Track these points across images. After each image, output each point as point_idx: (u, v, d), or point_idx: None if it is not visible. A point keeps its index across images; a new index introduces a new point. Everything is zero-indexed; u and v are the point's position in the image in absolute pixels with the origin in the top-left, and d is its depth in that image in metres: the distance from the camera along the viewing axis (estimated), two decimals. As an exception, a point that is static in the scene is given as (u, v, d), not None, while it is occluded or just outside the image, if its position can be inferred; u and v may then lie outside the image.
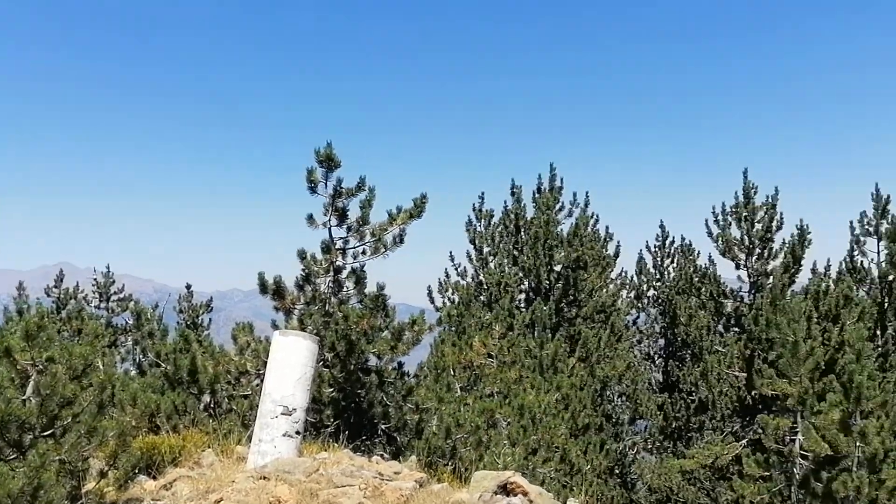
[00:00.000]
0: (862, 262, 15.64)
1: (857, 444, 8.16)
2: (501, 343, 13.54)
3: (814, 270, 15.72)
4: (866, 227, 15.70)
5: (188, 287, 18.40)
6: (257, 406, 6.23)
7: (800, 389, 9.16)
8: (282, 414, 5.95)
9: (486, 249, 16.63)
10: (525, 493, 5.88)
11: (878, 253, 15.38)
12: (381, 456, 7.29)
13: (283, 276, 8.20)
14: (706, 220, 15.64)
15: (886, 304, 14.75)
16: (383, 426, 8.45)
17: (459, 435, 8.69)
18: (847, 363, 8.59)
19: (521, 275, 16.04)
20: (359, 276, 8.55)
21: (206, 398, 8.53)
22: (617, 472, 16.00)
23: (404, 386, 9.18)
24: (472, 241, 16.78)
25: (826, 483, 8.45)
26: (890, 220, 15.36)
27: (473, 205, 17.04)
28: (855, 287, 14.23)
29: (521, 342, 13.87)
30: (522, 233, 16.38)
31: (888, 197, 15.47)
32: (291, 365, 6.04)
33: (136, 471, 5.83)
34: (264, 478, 5.54)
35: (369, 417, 8.29)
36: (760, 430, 14.09)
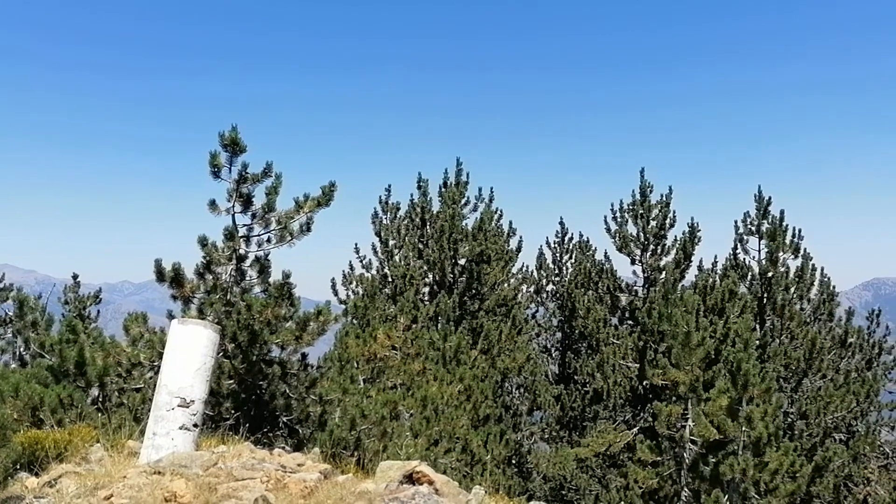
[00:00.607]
0: (745, 259, 16.63)
1: (744, 428, 8.65)
2: (405, 335, 13.55)
3: (700, 268, 16.55)
4: (749, 226, 16.69)
5: (75, 277, 17.37)
6: (150, 400, 5.94)
7: (691, 378, 9.63)
8: (178, 406, 5.69)
9: (391, 242, 16.56)
10: (431, 482, 5.88)
11: (759, 251, 16.40)
12: (284, 448, 7.11)
13: (182, 264, 7.85)
14: (605, 217, 16.21)
15: (765, 299, 15.74)
16: (285, 418, 8.26)
17: (364, 426, 8.61)
18: (735, 352, 9.09)
19: (425, 268, 16.08)
20: (263, 265, 8.31)
21: (95, 391, 8.07)
22: (514, 461, 16.33)
23: (308, 377, 9.01)
24: (378, 234, 16.69)
25: (714, 466, 8.91)
26: (770, 221, 16.38)
27: (380, 197, 16.96)
28: (738, 282, 15.08)
29: (424, 334, 13.93)
30: (428, 226, 16.43)
31: (769, 198, 16.50)
32: (190, 355, 5.78)
33: (17, 467, 5.44)
34: (159, 472, 5.28)
35: (271, 409, 8.08)
36: (652, 418, 14.75)
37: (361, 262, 16.82)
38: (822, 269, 16.58)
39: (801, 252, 16.14)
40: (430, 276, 16.36)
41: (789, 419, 14.31)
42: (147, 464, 5.48)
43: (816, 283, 16.47)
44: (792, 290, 15.97)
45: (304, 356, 9.39)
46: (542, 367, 18.75)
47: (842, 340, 16.44)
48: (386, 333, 13.37)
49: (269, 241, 8.39)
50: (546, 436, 17.13)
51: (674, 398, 9.93)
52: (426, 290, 16.29)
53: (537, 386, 16.81)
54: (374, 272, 16.59)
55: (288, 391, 8.52)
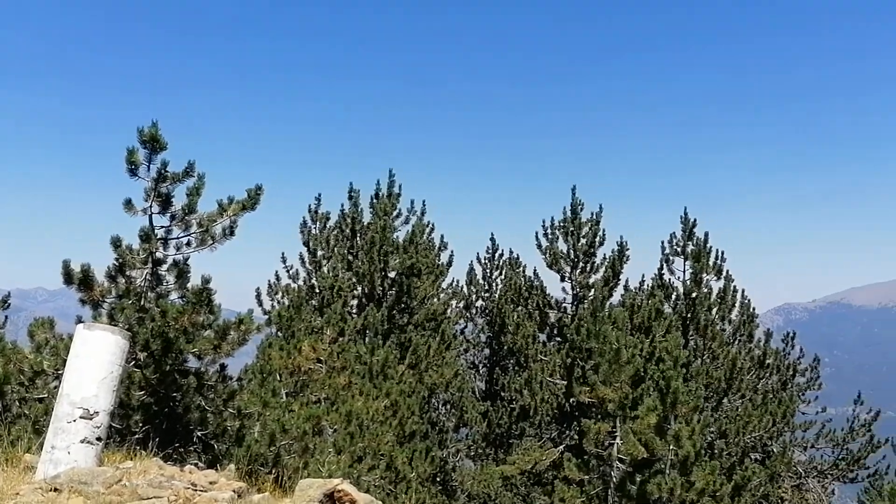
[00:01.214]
0: (670, 279, 16.95)
1: (671, 447, 8.65)
2: (332, 348, 13.18)
3: (626, 287, 16.77)
4: (675, 247, 17.04)
5: (-20, 281, 16.21)
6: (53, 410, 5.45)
7: (620, 395, 9.61)
8: (81, 417, 5.23)
9: (320, 253, 16.16)
10: (353, 502, 5.59)
11: (684, 271, 16.75)
12: (196, 465, 6.68)
13: (92, 266, 7.32)
14: (536, 233, 16.27)
15: (689, 319, 16.04)
16: (200, 433, 7.78)
17: (284, 442, 8.23)
18: (665, 370, 9.12)
19: (354, 280, 15.75)
20: (181, 270, 7.85)
21: (-7, 401, 7.43)
22: (439, 479, 16.08)
23: (226, 389, 8.55)
24: (306, 244, 16.26)
25: (641, 485, 8.88)
26: (695, 242, 16.77)
27: (309, 206, 16.55)
28: (664, 302, 15.32)
29: (351, 348, 13.59)
30: (359, 238, 16.12)
31: (695, 220, 16.90)
32: (96, 362, 5.33)
33: None
34: (55, 489, 4.83)
35: (185, 423, 7.60)
36: (579, 436, 14.74)
37: (288, 272, 16.35)
38: (743, 291, 17.06)
39: (724, 274, 16.56)
40: (359, 288, 16.03)
41: (709, 438, 14.56)
42: (43, 480, 5.01)
43: (737, 304, 16.91)
44: (714, 310, 16.35)
45: (222, 367, 8.93)
46: (470, 383, 18.60)
47: (760, 361, 16.90)
48: (311, 346, 12.98)
49: (188, 244, 7.95)
50: (472, 453, 16.95)
51: (602, 416, 9.91)
52: (354, 302, 15.95)
53: (464, 402, 16.63)
54: (300, 283, 16.15)
55: (204, 404, 8.05)
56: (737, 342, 16.81)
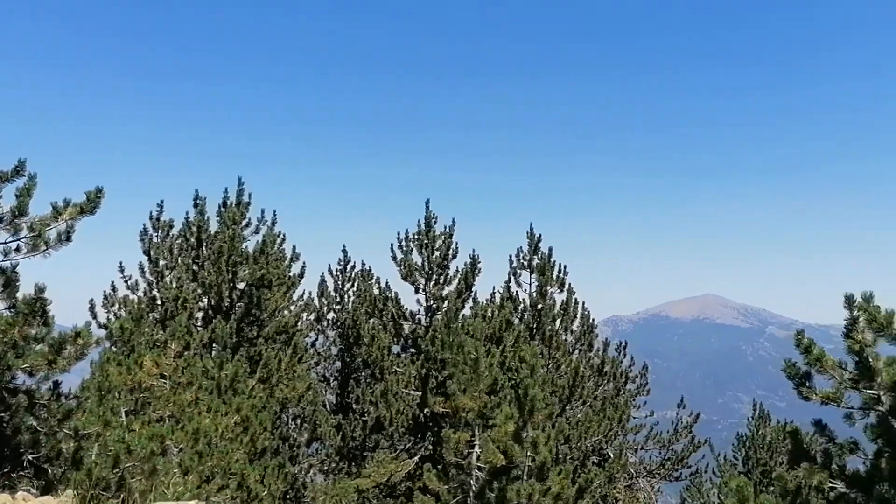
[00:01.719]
0: (517, 291, 17.61)
1: (529, 453, 8.94)
2: (176, 363, 12.45)
3: (475, 300, 17.21)
4: (522, 261, 17.73)
5: None
6: None
7: (479, 404, 9.82)
8: None
9: (162, 262, 15.23)
10: (215, 522, 5.32)
11: (531, 284, 17.47)
12: (29, 491, 6.07)
13: None
14: (391, 245, 16.32)
15: (535, 329, 16.73)
16: (31, 456, 7.08)
17: (129, 463, 7.64)
18: (523, 377, 9.44)
19: (200, 291, 14.99)
20: (9, 278, 7.15)
21: None
22: (291, 496, 15.63)
23: (61, 409, 7.86)
24: (147, 253, 15.26)
25: (499, 492, 9.10)
26: (540, 256, 17.53)
27: (151, 213, 15.56)
28: (513, 313, 15.87)
29: (197, 362, 12.92)
30: (205, 247, 15.36)
31: (540, 236, 17.68)
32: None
33: None
34: None
35: (14, 446, 6.88)
36: (438, 446, 14.85)
37: (126, 282, 15.28)
38: (584, 303, 18.02)
39: (566, 286, 17.43)
40: (206, 299, 15.28)
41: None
42: None
43: (578, 315, 17.85)
44: (558, 321, 17.16)
45: (56, 384, 8.21)
46: (321, 396, 18.27)
47: (599, 369, 17.91)
48: (154, 361, 12.16)
49: (18, 249, 7.28)
50: (325, 468, 16.63)
51: (460, 425, 10.08)
52: (200, 314, 15.17)
53: (317, 416, 16.30)
54: (140, 294, 15.14)
55: (36, 424, 7.35)
56: (578, 351, 17.74)
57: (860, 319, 6.81)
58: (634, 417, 20.92)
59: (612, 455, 18.09)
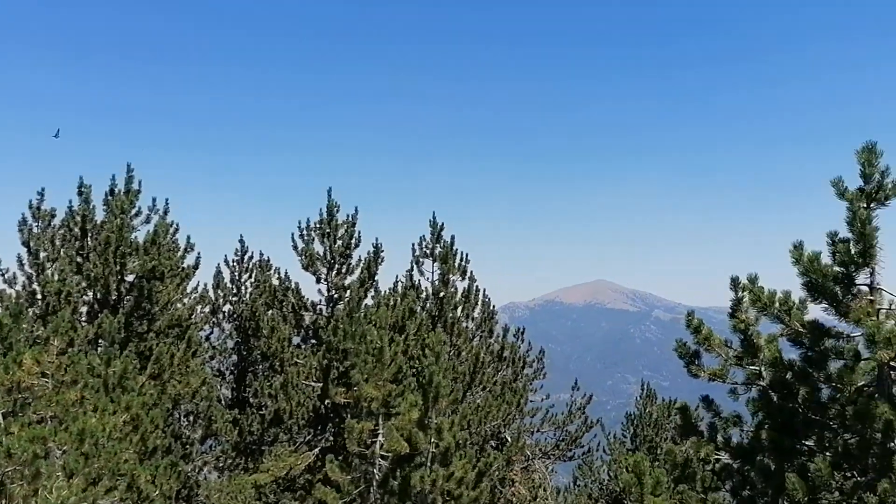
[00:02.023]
0: (420, 280, 17.68)
1: (433, 440, 9.01)
2: (59, 361, 11.77)
3: (377, 290, 17.15)
4: (424, 249, 17.81)
5: None
6: None
7: (384, 393, 9.81)
8: None
9: (43, 254, 14.32)
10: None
11: (433, 272, 17.58)
12: None
13: None
14: (292, 234, 16.00)
15: (438, 317, 16.86)
16: None
17: (10, 468, 7.18)
18: (428, 365, 9.49)
19: (85, 284, 14.22)
20: None
21: None
22: (184, 495, 15.12)
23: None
24: (27, 244, 14.32)
25: (403, 480, 9.13)
26: (443, 245, 17.66)
27: (30, 202, 14.61)
28: (416, 301, 15.93)
29: (82, 359, 12.27)
30: (90, 238, 14.56)
31: (442, 224, 17.81)
32: None
33: None
34: None
35: None
36: (332, 438, 14.73)
37: (3, 275, 14.30)
38: (484, 291, 18.31)
39: (468, 274, 17.65)
40: (91, 293, 14.51)
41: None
42: None
43: (479, 303, 18.12)
44: (459, 309, 17.36)
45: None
46: (217, 391, 17.72)
47: (499, 355, 18.27)
48: (35, 359, 11.46)
49: None
50: (221, 464, 16.15)
51: (363, 414, 10.04)
52: (85, 309, 14.40)
53: (212, 412, 15.79)
54: (19, 288, 14.20)
55: None
56: (479, 338, 18.01)
57: (745, 300, 7.27)
58: (531, 401, 21.45)
59: (509, 438, 18.52)
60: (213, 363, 19.60)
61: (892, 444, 6.24)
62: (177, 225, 15.95)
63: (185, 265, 16.23)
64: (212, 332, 19.82)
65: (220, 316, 19.97)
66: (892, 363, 6.15)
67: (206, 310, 19.36)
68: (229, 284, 20.26)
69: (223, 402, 18.49)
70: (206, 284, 19.32)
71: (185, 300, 16.75)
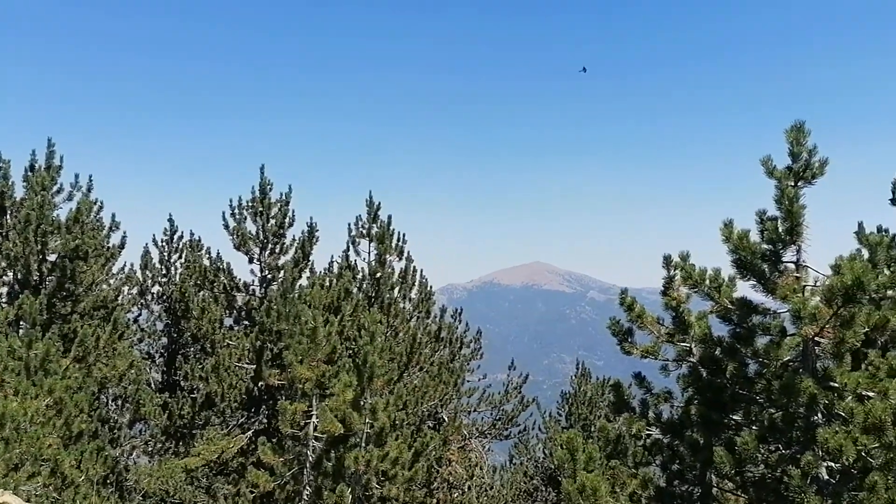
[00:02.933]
0: (356, 260, 17.44)
1: (367, 420, 8.90)
2: (-24, 344, 11.21)
3: (312, 270, 16.86)
4: (361, 229, 17.56)
5: None
6: None
7: (317, 374, 9.63)
8: None
9: (-45, 233, 13.58)
10: (24, 513, 4.85)
11: (370, 253, 17.37)
12: None
13: None
14: (223, 213, 15.53)
15: (374, 297, 16.70)
16: None
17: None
18: (363, 345, 9.35)
19: (4, 264, 13.55)
20: None
21: None
22: (112, 480, 14.64)
23: None
24: (-64, 222, 13.55)
25: (337, 461, 9.01)
26: (379, 225, 17.45)
27: (-59, 178, 13.79)
28: (352, 282, 15.71)
29: (2, 341, 11.73)
30: (9, 216, 13.87)
31: (379, 204, 17.57)
32: None
33: None
34: None
35: None
36: (266, 420, 14.47)
37: (-86, 256, 13.49)
38: (422, 271, 18.20)
39: (406, 255, 17.51)
40: (10, 273, 13.85)
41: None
42: None
43: (417, 283, 18.01)
44: (396, 289, 17.22)
45: None
46: (145, 374, 17.18)
47: (436, 336, 18.23)
48: (-51, 342, 10.92)
49: None
50: (151, 448, 15.70)
51: (298, 396, 9.87)
52: (5, 290, 13.75)
53: (141, 395, 15.31)
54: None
55: None
56: (416, 318, 17.92)
57: (676, 277, 7.37)
58: (468, 381, 21.56)
59: (446, 418, 18.57)
60: (141, 346, 19.02)
61: (816, 417, 6.44)
62: (101, 203, 15.33)
63: (110, 244, 15.63)
64: (140, 315, 19.20)
65: (149, 297, 19.35)
66: (816, 338, 6.32)
67: (134, 291, 18.74)
68: (158, 265, 19.63)
69: (152, 385, 17.96)
70: (133, 265, 18.70)
71: (111, 281, 16.16)
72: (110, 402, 16.91)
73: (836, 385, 6.42)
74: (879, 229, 12.03)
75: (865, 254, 6.96)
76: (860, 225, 12.34)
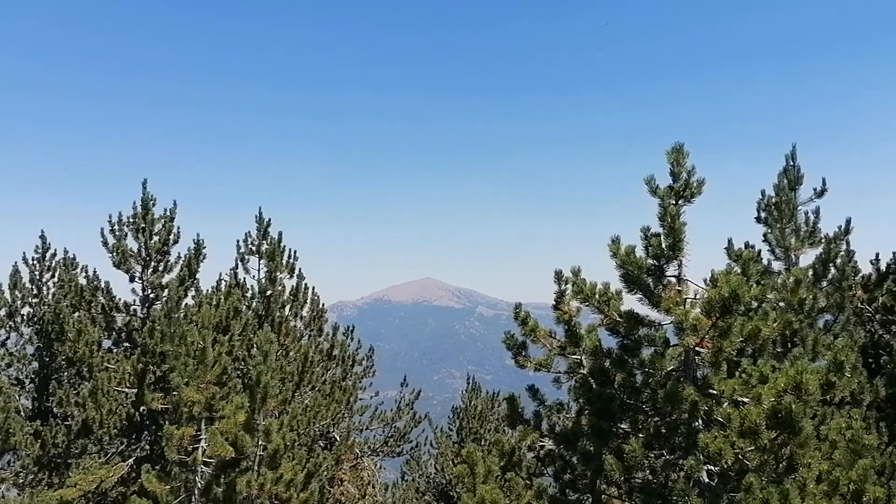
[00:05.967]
0: (245, 277, 17.01)
1: (260, 442, 8.64)
2: None
3: (198, 288, 16.25)
4: (250, 246, 17.17)
5: None
6: None
7: (206, 396, 9.27)
8: None
9: None
10: None
11: (259, 270, 17.00)
12: None
13: None
14: (102, 230, 14.70)
15: (265, 315, 16.31)
16: None
17: None
18: (255, 365, 9.08)
19: None
20: None
21: None
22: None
23: None
24: None
25: (227, 486, 8.68)
26: (269, 241, 17.12)
27: None
28: (242, 300, 15.28)
29: None
30: None
31: (269, 220, 17.31)
32: None
33: None
34: None
35: None
36: (149, 447, 13.77)
37: None
38: (314, 288, 17.96)
39: (297, 272, 17.23)
40: None
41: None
42: None
43: (308, 301, 17.74)
44: (288, 307, 16.89)
45: None
46: (14, 402, 15.96)
47: (329, 354, 18.00)
48: None
49: None
50: (22, 481, 14.55)
51: (185, 419, 9.44)
52: None
53: (10, 424, 14.18)
54: None
55: None
56: (308, 336, 17.63)
57: (567, 291, 7.64)
58: (361, 399, 21.42)
59: (338, 437, 18.33)
60: (10, 371, 17.73)
61: (697, 423, 6.82)
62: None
63: (-27, 263, 14.48)
64: (8, 338, 17.90)
65: (18, 319, 18.05)
66: (696, 348, 6.71)
67: (2, 313, 17.44)
68: (28, 285, 18.36)
69: (22, 413, 16.73)
70: (0, 284, 17.42)
71: (-26, 303, 14.97)
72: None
73: (715, 392, 6.83)
74: (747, 245, 12.92)
75: (737, 268, 7.44)
76: (729, 241, 13.25)
